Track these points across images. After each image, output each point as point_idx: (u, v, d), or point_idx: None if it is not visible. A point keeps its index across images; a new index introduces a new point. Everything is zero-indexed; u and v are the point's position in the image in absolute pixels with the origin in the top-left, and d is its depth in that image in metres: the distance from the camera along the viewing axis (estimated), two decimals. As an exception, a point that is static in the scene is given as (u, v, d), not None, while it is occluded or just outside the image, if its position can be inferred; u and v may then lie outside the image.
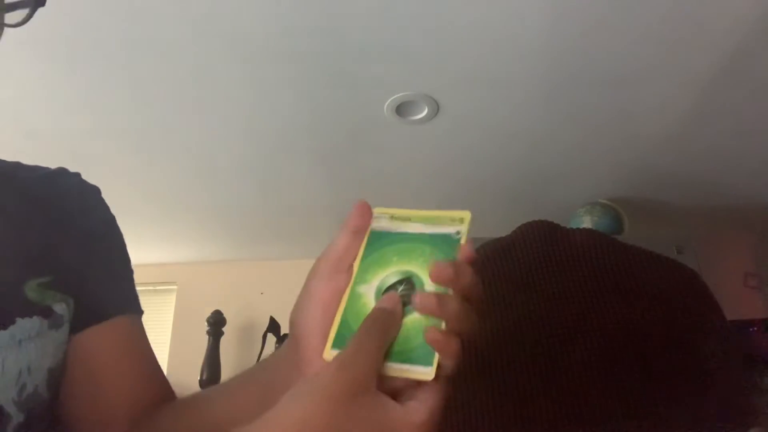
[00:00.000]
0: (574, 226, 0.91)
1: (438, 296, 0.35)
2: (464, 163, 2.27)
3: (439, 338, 0.34)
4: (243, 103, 1.86)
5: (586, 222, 2.43)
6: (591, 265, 0.79)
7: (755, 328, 2.82)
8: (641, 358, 0.70)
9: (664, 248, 2.32)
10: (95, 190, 0.63)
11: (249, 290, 3.29)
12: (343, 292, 0.38)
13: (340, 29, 1.52)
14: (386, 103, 1.87)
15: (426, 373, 0.34)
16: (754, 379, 2.40)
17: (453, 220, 0.40)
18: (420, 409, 0.32)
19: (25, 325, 0.47)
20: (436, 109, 1.90)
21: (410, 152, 2.21)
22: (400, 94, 1.82)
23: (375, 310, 0.36)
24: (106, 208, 0.63)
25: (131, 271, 0.63)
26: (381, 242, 0.40)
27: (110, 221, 0.63)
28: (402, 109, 1.92)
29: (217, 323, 2.99)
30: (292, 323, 0.40)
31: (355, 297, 0.38)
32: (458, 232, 0.39)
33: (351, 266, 0.39)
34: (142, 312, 0.62)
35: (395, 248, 0.39)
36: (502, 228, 1.05)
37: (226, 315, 3.05)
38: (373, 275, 0.38)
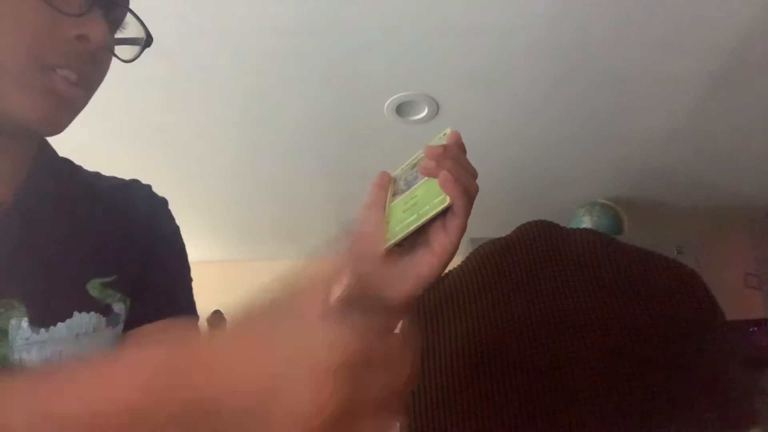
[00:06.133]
0: (574, 226, 0.91)
1: (434, 161, 0.46)
2: (464, 163, 2.27)
3: (445, 175, 0.45)
4: (243, 104, 1.86)
5: (586, 222, 2.43)
6: (591, 265, 0.79)
7: (755, 328, 2.82)
8: (641, 358, 0.70)
9: (664, 248, 2.32)
10: (163, 202, 0.67)
11: (249, 290, 3.29)
12: (382, 219, 0.52)
13: (340, 29, 1.52)
14: (386, 103, 1.87)
15: (442, 200, 0.45)
16: (754, 379, 2.40)
17: (442, 138, 0.53)
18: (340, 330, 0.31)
19: (82, 319, 0.49)
20: (436, 109, 1.90)
21: (410, 152, 2.20)
22: (400, 94, 1.82)
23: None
24: (172, 218, 0.67)
25: (190, 279, 0.66)
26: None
27: (175, 231, 0.66)
28: (402, 109, 1.92)
29: (217, 323, 3.00)
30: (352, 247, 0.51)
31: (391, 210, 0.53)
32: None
33: (384, 205, 0.53)
34: (198, 317, 0.64)
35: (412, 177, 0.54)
36: (502, 228, 1.05)
37: (226, 315, 3.05)
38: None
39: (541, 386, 0.69)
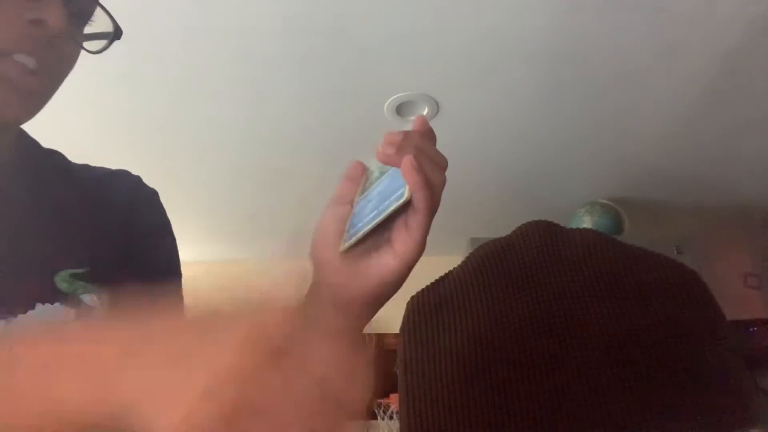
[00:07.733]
0: (574, 226, 0.91)
1: (394, 147, 0.43)
2: (464, 163, 2.27)
3: (408, 162, 0.41)
4: (243, 103, 1.86)
5: (586, 222, 2.43)
6: (591, 265, 0.79)
7: (755, 328, 2.82)
8: (641, 358, 0.70)
9: (664, 248, 2.32)
10: (151, 193, 0.65)
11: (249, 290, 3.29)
12: (346, 216, 0.48)
13: (340, 29, 1.52)
14: (386, 103, 1.87)
15: (402, 195, 0.40)
16: (754, 379, 2.40)
17: None
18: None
19: (45, 311, 0.46)
20: (436, 109, 1.90)
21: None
22: (400, 94, 1.82)
23: None
24: (162, 211, 0.64)
25: (179, 274, 0.63)
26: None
27: (161, 223, 0.64)
28: (402, 109, 1.92)
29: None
30: (312, 246, 0.48)
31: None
32: None
33: (352, 200, 0.49)
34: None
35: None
36: (502, 228, 1.05)
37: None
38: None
39: (540, 387, 0.69)
